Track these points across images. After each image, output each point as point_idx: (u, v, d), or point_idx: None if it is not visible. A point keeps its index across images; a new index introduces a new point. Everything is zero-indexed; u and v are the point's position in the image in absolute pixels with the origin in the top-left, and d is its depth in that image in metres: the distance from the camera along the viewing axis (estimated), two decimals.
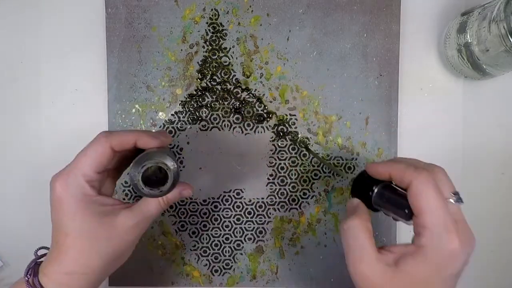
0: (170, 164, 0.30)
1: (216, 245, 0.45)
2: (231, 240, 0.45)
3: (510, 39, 0.34)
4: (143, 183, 0.30)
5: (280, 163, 0.44)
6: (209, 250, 0.45)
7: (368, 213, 0.31)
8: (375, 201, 0.32)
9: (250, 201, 0.44)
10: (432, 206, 0.27)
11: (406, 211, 0.29)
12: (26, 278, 0.32)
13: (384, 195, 0.31)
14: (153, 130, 0.44)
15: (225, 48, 0.44)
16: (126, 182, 0.44)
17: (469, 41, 0.39)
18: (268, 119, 0.44)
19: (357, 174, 0.34)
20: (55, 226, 0.32)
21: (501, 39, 0.34)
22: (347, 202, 0.34)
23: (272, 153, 0.44)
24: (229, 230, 0.44)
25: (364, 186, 0.32)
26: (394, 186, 0.31)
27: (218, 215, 0.44)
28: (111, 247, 0.32)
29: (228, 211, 0.44)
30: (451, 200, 0.29)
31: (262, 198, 0.44)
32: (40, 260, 0.33)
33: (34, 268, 0.32)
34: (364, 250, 0.29)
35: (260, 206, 0.44)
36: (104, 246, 0.32)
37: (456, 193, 0.29)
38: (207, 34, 0.44)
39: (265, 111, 0.44)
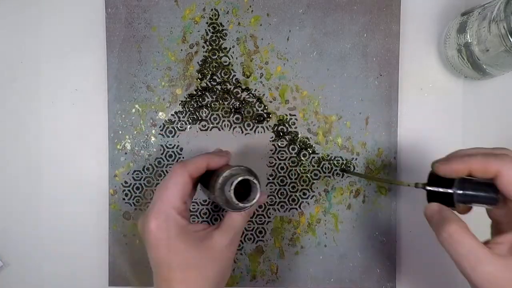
0: (250, 176, 0.32)
1: None
2: None
3: (510, 39, 0.34)
4: (237, 199, 0.31)
5: (280, 163, 0.44)
6: None
7: (456, 214, 0.30)
8: (459, 199, 0.31)
9: None
10: None
11: (496, 196, 0.29)
12: None
13: (467, 190, 0.30)
14: (153, 131, 0.44)
15: (225, 48, 0.44)
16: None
17: (469, 41, 0.39)
18: (268, 119, 0.44)
19: (428, 179, 0.33)
20: (158, 264, 0.33)
21: (501, 39, 0.34)
22: (425, 209, 0.32)
23: (272, 153, 0.44)
24: None
25: (439, 186, 0.31)
26: (470, 178, 0.30)
27: (218, 215, 0.44)
28: (216, 270, 0.33)
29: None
30: None
31: None
32: None
33: None
34: (477, 251, 0.28)
35: (260, 206, 0.44)
36: (210, 271, 0.33)
37: None
38: (207, 34, 0.44)
39: (265, 111, 0.44)
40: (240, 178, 0.31)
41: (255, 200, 0.32)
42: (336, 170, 0.44)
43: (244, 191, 0.32)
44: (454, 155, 0.32)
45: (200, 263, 0.32)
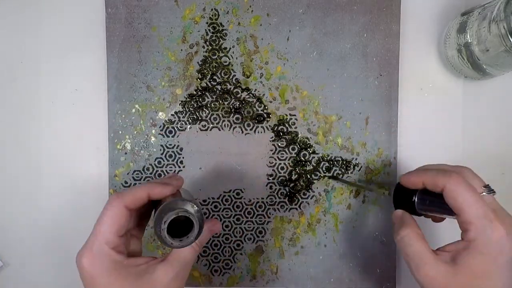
0: (191, 209, 0.29)
1: (216, 245, 0.45)
2: (231, 240, 0.45)
3: (510, 39, 0.34)
4: (171, 237, 0.29)
5: (280, 163, 0.44)
6: (209, 250, 0.45)
7: (415, 220, 0.34)
8: (419, 207, 0.34)
9: (250, 201, 0.44)
10: (469, 201, 0.30)
11: (449, 207, 0.31)
12: None
13: (426, 200, 0.34)
14: (153, 131, 0.44)
15: (225, 48, 0.44)
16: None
17: (469, 41, 0.39)
18: (268, 119, 0.44)
19: (395, 187, 0.37)
20: None
21: (501, 39, 0.34)
22: (392, 215, 0.36)
23: (272, 153, 0.44)
24: (229, 230, 0.44)
25: (403, 196, 0.35)
26: (432, 191, 0.33)
27: (218, 215, 0.44)
28: None
29: (228, 211, 0.44)
30: (484, 193, 0.32)
31: (262, 198, 0.44)
32: None
33: None
34: (422, 254, 0.31)
35: (260, 206, 0.44)
36: None
37: (486, 186, 0.32)
38: (207, 34, 0.44)
39: (265, 111, 0.44)
40: (172, 215, 0.28)
41: (194, 236, 0.29)
42: (336, 170, 0.44)
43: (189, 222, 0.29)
44: (417, 169, 0.35)
45: None
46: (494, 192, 0.32)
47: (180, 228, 0.29)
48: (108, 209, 0.31)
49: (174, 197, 0.31)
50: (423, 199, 0.34)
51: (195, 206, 0.30)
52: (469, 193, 0.30)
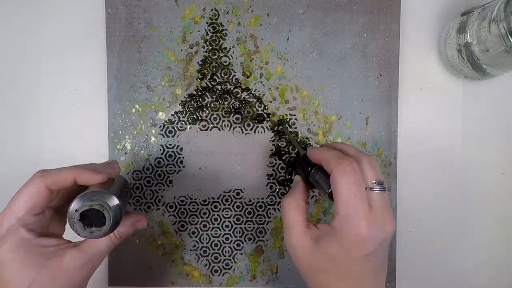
0: (110, 203, 0.29)
1: (216, 245, 0.45)
2: (231, 240, 0.45)
3: (510, 39, 0.34)
4: (83, 226, 0.28)
5: (280, 163, 0.44)
6: (209, 250, 0.45)
7: (304, 192, 0.34)
8: (311, 178, 0.35)
9: (250, 201, 0.44)
10: (343, 194, 0.30)
11: (329, 192, 0.32)
12: None
13: (315, 176, 0.34)
14: (153, 131, 0.44)
15: (225, 48, 0.44)
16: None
17: (469, 41, 0.39)
18: (268, 119, 0.44)
19: (303, 154, 0.37)
20: None
21: (501, 39, 0.34)
22: (294, 178, 0.37)
23: (272, 153, 0.44)
24: (229, 230, 0.44)
25: (305, 163, 0.35)
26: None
27: (218, 215, 0.44)
28: None
29: (228, 211, 0.44)
30: (375, 188, 0.31)
31: (262, 198, 0.44)
32: None
33: None
34: (294, 224, 0.32)
35: (260, 206, 0.44)
36: None
37: (380, 182, 0.31)
38: (207, 34, 0.44)
39: (265, 111, 0.44)
40: (85, 207, 0.28)
41: (105, 230, 0.28)
42: None
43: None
44: (325, 145, 0.36)
45: (38, 281, 0.30)
46: (385, 189, 0.31)
47: (100, 218, 0.29)
48: (27, 185, 0.31)
49: (101, 186, 0.31)
50: (313, 175, 0.34)
51: (116, 200, 0.29)
52: (347, 184, 0.30)
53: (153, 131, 0.44)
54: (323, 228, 0.32)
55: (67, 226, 0.34)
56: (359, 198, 0.30)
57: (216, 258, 0.45)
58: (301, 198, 0.34)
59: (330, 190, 0.31)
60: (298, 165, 0.37)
